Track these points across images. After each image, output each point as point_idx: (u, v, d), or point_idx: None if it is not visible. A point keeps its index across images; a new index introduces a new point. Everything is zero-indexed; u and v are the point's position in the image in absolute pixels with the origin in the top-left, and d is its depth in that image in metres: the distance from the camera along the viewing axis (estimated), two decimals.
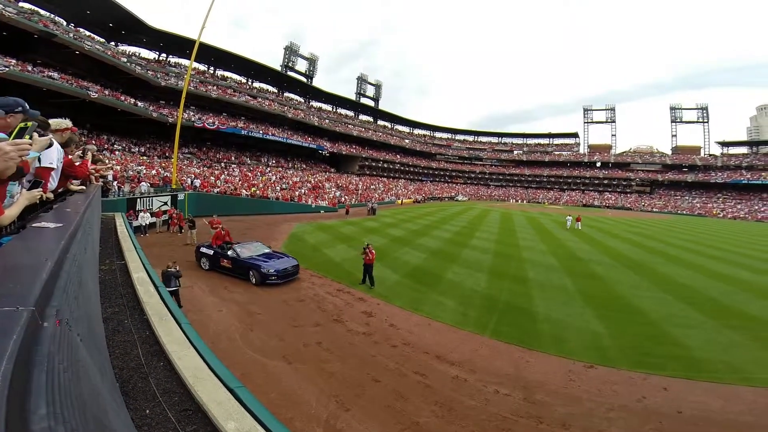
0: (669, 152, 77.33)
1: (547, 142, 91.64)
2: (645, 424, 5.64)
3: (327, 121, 62.38)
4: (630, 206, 69.02)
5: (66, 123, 3.68)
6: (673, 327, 9.35)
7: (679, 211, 63.41)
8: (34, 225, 1.97)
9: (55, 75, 25.37)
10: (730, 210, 60.70)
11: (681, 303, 11.27)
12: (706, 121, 74.14)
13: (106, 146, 28.28)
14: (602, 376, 7.02)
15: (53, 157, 3.28)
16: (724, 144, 72.44)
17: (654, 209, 66.12)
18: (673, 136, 77.34)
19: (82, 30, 32.99)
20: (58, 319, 0.91)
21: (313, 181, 45.38)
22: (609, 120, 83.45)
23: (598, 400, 6.22)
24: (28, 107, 2.03)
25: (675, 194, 71.34)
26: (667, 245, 23.22)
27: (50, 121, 3.51)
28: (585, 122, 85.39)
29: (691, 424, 5.68)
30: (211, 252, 13.11)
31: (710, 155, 73.20)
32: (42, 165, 3.16)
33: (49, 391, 0.58)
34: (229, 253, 12.55)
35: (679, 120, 76.67)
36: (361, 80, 75.50)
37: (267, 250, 13.19)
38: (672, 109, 76.75)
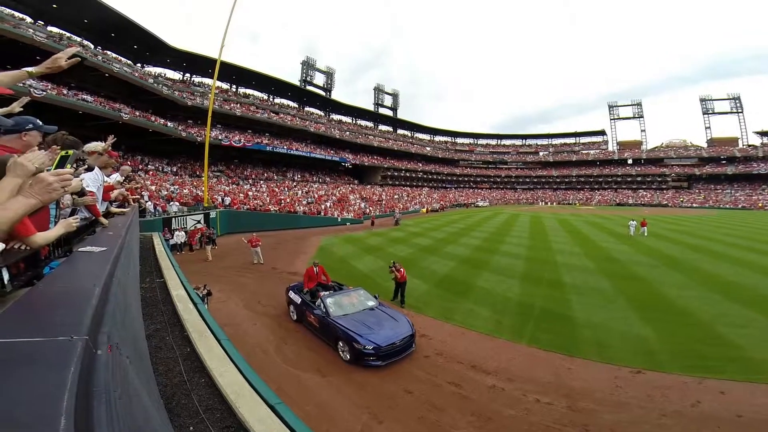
0: (704, 145, 73.63)
1: (574, 141, 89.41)
2: (701, 429, 5.31)
3: (348, 133, 63.18)
4: (667, 203, 65.90)
5: (99, 146, 3.77)
6: (725, 327, 8.77)
7: (721, 206, 59.87)
8: (80, 249, 2.05)
9: (89, 98, 26.25)
10: None
11: (731, 302, 10.57)
12: (740, 111, 70.30)
13: (140, 167, 29.43)
14: (652, 381, 6.63)
15: (90, 182, 3.41)
16: (764, 133, 68.11)
17: (694, 205, 62.75)
18: (706, 128, 73.73)
19: (109, 52, 34.06)
20: (109, 344, 0.92)
21: (337, 194, 45.87)
22: (636, 115, 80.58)
23: (649, 406, 5.88)
24: (40, 123, 1.93)
25: (715, 188, 67.58)
26: (710, 241, 21.89)
27: (86, 145, 3.64)
28: (611, 119, 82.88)
29: (752, 428, 5.29)
30: (298, 300, 9.65)
31: (750, 146, 69.01)
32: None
33: (109, 422, 0.57)
34: (317, 305, 8.81)
35: (711, 111, 73.02)
36: (379, 90, 76.21)
37: (370, 304, 9.07)
38: (702, 100, 73.20)
